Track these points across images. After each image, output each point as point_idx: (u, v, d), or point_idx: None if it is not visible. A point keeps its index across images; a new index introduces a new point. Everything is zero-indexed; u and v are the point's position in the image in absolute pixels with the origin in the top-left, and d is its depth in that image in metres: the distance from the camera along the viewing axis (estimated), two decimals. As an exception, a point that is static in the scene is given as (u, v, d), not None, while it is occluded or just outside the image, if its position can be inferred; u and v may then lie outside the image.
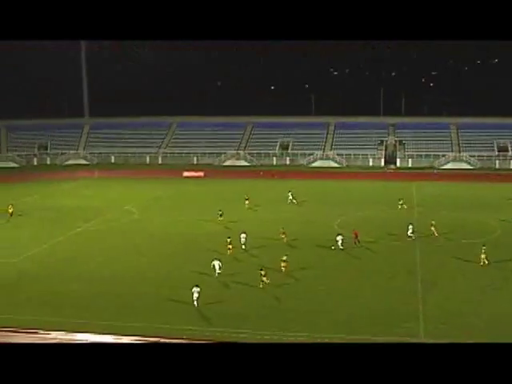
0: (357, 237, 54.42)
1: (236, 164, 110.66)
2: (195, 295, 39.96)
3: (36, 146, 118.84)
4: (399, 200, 71.19)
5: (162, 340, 33.75)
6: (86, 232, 61.57)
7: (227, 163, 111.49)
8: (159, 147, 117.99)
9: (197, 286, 40.32)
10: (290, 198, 74.68)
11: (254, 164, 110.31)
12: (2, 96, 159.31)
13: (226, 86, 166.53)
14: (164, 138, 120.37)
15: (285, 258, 47.29)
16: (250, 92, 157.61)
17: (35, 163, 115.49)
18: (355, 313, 38.87)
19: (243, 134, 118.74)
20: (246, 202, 71.79)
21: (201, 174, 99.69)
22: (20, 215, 68.35)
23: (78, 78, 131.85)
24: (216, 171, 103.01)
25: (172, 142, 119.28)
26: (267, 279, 43.33)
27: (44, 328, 36.41)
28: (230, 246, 51.53)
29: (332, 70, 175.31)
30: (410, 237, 56.06)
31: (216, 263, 46.17)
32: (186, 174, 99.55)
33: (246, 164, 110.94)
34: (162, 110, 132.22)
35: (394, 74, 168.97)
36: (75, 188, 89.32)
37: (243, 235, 53.90)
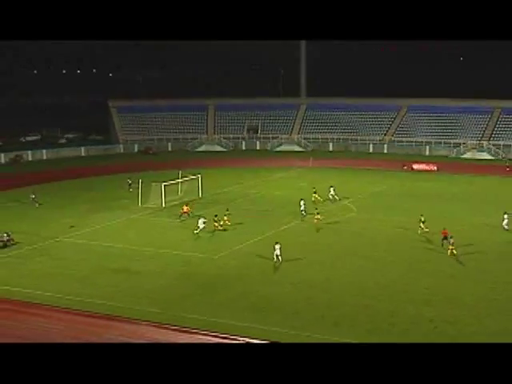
0: (446, 238, 53.53)
1: (477, 157, 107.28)
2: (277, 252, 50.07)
3: (245, 128, 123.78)
4: None
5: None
6: (295, 229, 62.65)
7: (466, 156, 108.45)
8: (385, 134, 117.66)
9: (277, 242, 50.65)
10: (332, 193, 74.84)
11: (500, 158, 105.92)
12: (227, 74, 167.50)
13: (471, 61, 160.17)
14: (391, 124, 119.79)
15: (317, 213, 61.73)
16: (502, 70, 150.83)
17: (243, 147, 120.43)
18: None
19: (488, 121, 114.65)
20: (314, 194, 73.33)
21: (433, 167, 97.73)
22: (224, 205, 71.17)
23: (294, 52, 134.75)
24: (452, 165, 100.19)
25: (400, 129, 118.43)
26: (219, 226, 59.24)
27: (245, 335, 37.47)
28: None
29: None
30: None
31: (201, 221, 58.69)
32: (415, 166, 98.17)
33: (490, 157, 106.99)
34: (391, 90, 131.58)
35: None
36: (287, 178, 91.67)
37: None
